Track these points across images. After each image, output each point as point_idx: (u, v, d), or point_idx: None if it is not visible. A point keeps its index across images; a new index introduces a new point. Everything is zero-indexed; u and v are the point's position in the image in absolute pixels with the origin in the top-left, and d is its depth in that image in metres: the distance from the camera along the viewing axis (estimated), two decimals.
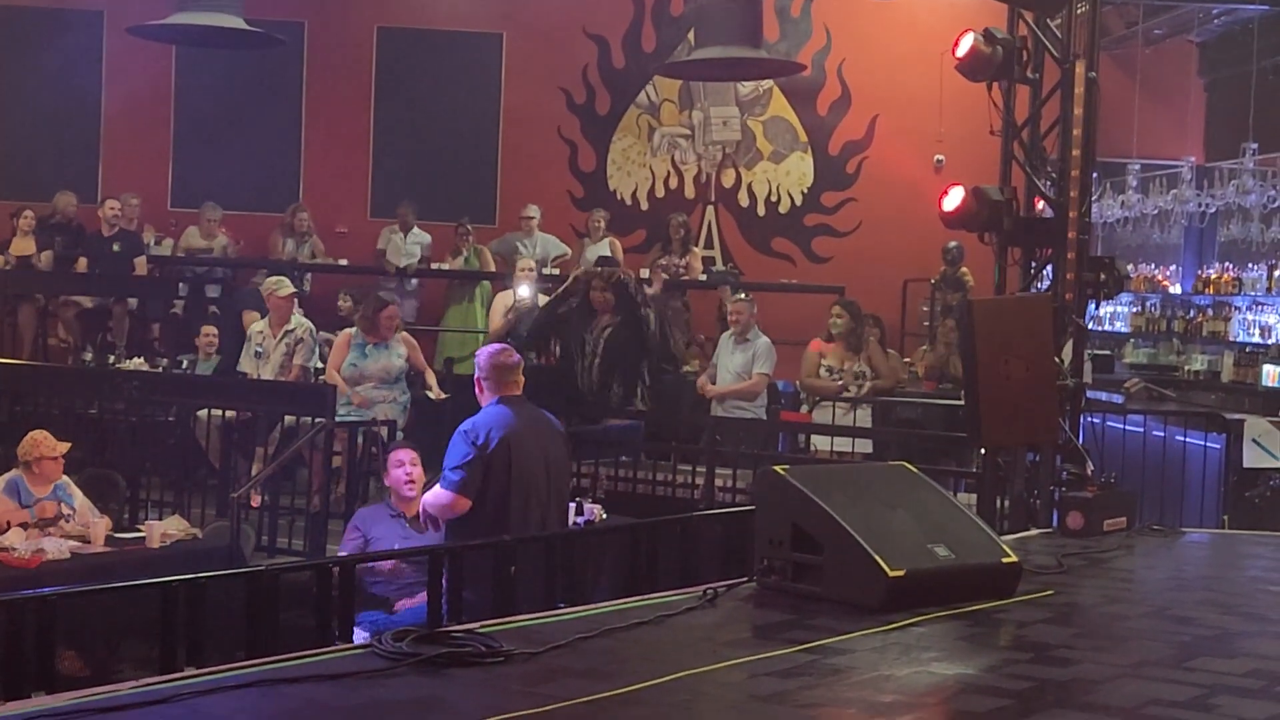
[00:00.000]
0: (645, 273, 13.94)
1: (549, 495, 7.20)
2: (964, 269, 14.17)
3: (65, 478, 8.82)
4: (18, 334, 14.24)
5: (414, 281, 15.27)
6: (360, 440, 10.45)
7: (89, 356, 13.21)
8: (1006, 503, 8.99)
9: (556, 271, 14.63)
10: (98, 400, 11.56)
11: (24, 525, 8.21)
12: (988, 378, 7.76)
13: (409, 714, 4.01)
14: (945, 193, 8.85)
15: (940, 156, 15.61)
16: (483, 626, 5.04)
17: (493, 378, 7.13)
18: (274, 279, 12.20)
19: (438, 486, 7.12)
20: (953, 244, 13.93)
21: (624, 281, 12.06)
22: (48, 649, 5.02)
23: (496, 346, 7.37)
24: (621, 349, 11.39)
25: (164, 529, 8.59)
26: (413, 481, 8.11)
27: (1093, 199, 9.67)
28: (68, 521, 8.51)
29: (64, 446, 8.79)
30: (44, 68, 15.93)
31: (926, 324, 14.64)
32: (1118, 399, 12.47)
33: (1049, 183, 8.89)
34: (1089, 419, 8.86)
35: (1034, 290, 9.13)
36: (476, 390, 7.24)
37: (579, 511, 8.48)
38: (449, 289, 15.20)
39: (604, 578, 7.47)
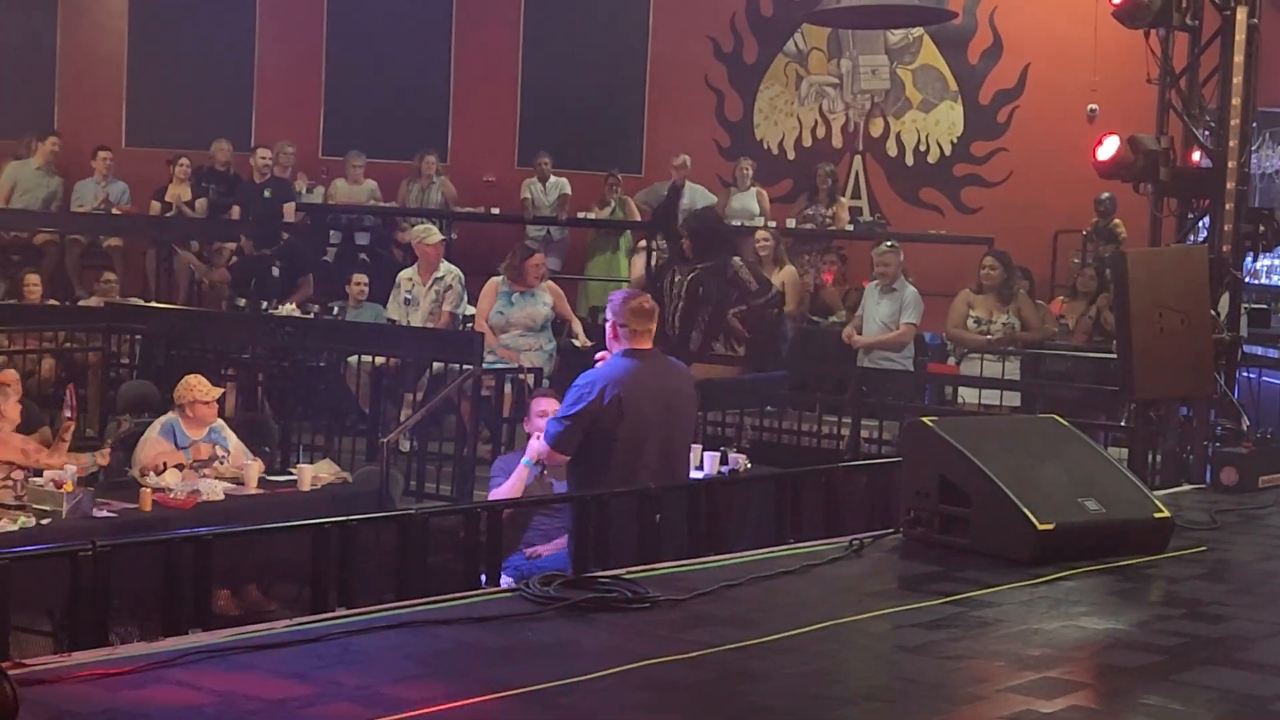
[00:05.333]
0: (791, 223, 13.87)
1: (665, 450, 6.88)
2: (1117, 220, 13.90)
3: (220, 421, 8.98)
4: (174, 280, 14.54)
5: (559, 231, 15.33)
6: (508, 388, 10.53)
7: (243, 302, 13.43)
8: (1158, 457, 8.86)
9: None
10: (251, 345, 11.75)
11: (180, 466, 8.39)
12: (1141, 330, 7.66)
13: (556, 657, 4.05)
14: (1100, 142, 8.72)
15: (1094, 106, 15.30)
16: (628, 573, 5.07)
17: (627, 323, 6.80)
18: (421, 228, 12.30)
19: (540, 434, 7.10)
20: (1105, 195, 13.66)
21: (707, 227, 11.79)
22: (204, 587, 5.13)
23: (629, 291, 7.20)
24: (703, 296, 11.24)
25: (315, 472, 8.75)
26: None
27: (1252, 149, 9.46)
28: (222, 464, 8.68)
29: (217, 391, 8.95)
30: (198, 17, 16.19)
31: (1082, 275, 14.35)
32: (1274, 353, 12.21)
33: (1207, 132, 8.72)
34: (1245, 374, 8.70)
35: (1190, 242, 8.97)
36: (610, 336, 6.92)
37: (723, 461, 8.48)
38: (594, 238, 15.24)
39: (748, 527, 7.47)
